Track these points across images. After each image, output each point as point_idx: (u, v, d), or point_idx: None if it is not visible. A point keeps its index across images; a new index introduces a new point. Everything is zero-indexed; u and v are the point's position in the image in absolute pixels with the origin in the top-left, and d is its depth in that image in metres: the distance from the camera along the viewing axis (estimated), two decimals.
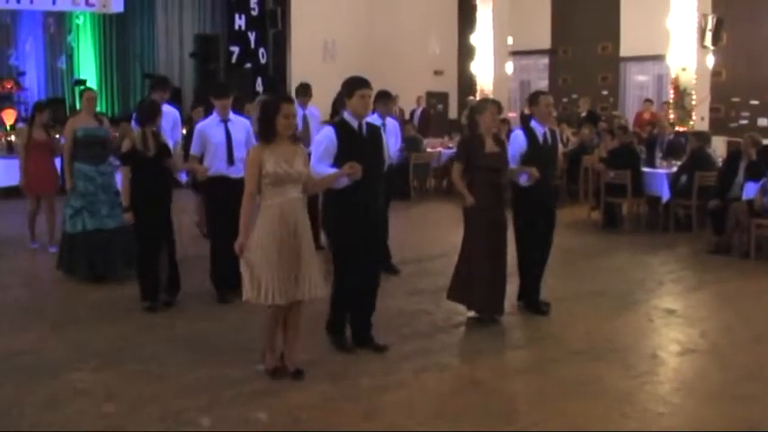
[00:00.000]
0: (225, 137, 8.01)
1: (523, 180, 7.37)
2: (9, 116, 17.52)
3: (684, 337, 7.10)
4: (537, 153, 7.48)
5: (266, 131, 5.69)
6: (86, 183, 8.85)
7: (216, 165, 7.98)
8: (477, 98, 20.83)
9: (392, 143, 9.06)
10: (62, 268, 8.93)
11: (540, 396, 5.73)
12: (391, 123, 9.40)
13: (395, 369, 6.13)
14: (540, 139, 7.56)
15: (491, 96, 20.54)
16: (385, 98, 9.13)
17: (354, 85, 6.32)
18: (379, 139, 6.53)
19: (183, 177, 9.12)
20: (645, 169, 12.64)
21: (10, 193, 14.73)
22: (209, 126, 8.11)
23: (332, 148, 6.19)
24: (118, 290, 8.44)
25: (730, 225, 10.66)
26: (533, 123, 7.64)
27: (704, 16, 16.43)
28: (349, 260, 6.34)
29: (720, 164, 12.27)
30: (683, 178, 12.12)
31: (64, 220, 9.03)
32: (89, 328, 7.23)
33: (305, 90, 10.86)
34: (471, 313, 7.44)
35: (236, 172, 7.93)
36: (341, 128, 6.29)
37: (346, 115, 6.35)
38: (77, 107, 17.42)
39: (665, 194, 12.24)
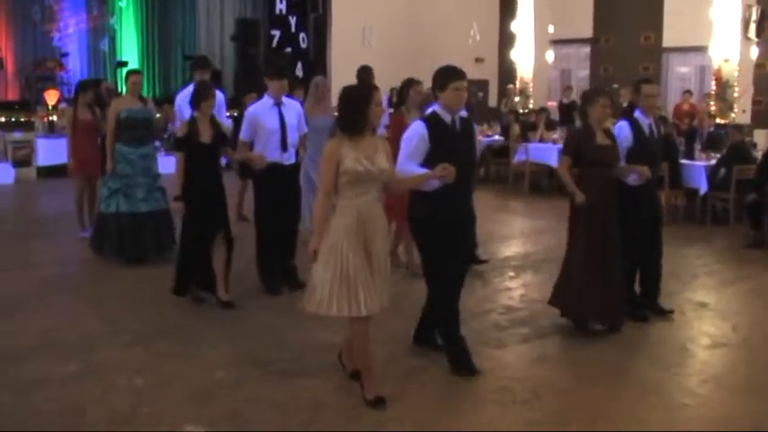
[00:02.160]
0: (279, 122, 7.63)
1: (633, 179, 6.90)
2: (51, 96, 17.74)
3: (716, 330, 7.05)
4: (644, 147, 7.05)
5: (356, 122, 5.07)
6: (125, 164, 8.86)
7: (269, 152, 7.55)
8: (517, 86, 20.81)
9: None
10: (93, 247, 9.01)
11: (565, 383, 5.74)
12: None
13: (417, 353, 6.14)
14: (647, 131, 7.12)
15: (527, 85, 20.55)
16: None
17: (448, 76, 5.69)
18: (472, 133, 5.98)
19: (224, 160, 9.09)
20: (683, 161, 12.53)
21: (50, 172, 15.01)
22: (262, 111, 7.65)
23: (423, 145, 5.60)
24: (152, 269, 8.58)
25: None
26: (637, 114, 7.17)
27: (748, 7, 16.27)
28: (446, 273, 5.79)
29: (760, 157, 12.12)
30: (722, 171, 11.99)
31: (100, 200, 9.13)
32: (123, 306, 7.37)
33: (368, 73, 10.30)
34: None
35: (288, 158, 7.73)
36: (433, 123, 5.69)
37: (438, 109, 5.74)
38: (119, 89, 17.65)
39: (703, 187, 12.12)
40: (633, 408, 5.31)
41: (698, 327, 7.20)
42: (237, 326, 6.84)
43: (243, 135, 7.73)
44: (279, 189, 7.67)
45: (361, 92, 5.21)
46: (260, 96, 8.22)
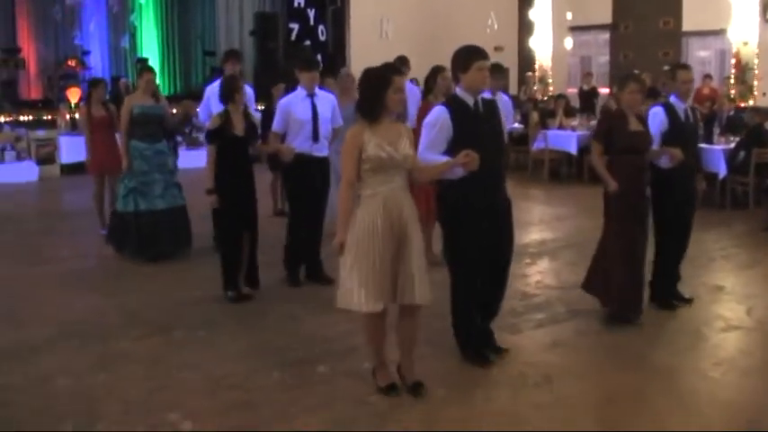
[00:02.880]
0: (311, 113, 7.64)
1: (665, 162, 6.82)
2: (74, 94, 17.92)
3: (730, 313, 7.04)
4: (679, 132, 6.93)
5: (372, 108, 4.93)
6: (141, 161, 8.86)
7: (300, 142, 7.58)
8: (536, 74, 20.75)
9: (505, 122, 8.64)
10: (112, 244, 9.04)
11: (577, 368, 5.78)
12: (504, 100, 8.83)
13: (428, 339, 6.10)
14: (682, 116, 7.01)
15: (546, 72, 20.49)
16: (497, 72, 8.49)
17: (471, 56, 5.50)
18: (497, 115, 5.72)
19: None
20: (702, 145, 12.43)
21: (73, 169, 15.20)
22: (294, 102, 7.68)
23: (445, 131, 5.42)
24: (170, 263, 8.69)
25: None
26: (673, 99, 7.07)
27: None
28: (467, 260, 5.59)
29: None
30: (741, 154, 11.94)
31: (116, 197, 9.14)
32: (140, 298, 7.48)
33: (403, 63, 10.08)
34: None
35: (320, 150, 7.73)
36: (455, 106, 5.49)
37: (459, 91, 5.55)
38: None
39: (722, 171, 12.05)
40: (644, 391, 5.33)
41: (713, 310, 7.18)
42: (255, 316, 6.92)
43: (275, 126, 7.74)
44: (310, 180, 7.67)
45: (378, 75, 4.98)
46: (290, 87, 8.14)
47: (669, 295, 7.24)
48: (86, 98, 10.54)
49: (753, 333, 6.61)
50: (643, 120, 6.83)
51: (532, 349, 6.18)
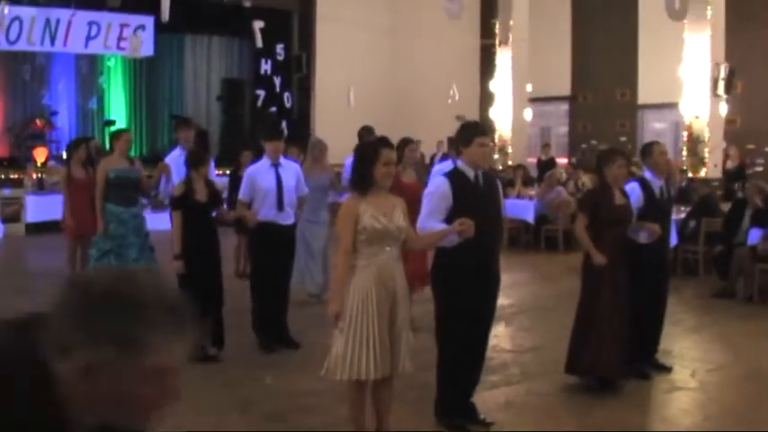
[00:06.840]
0: (275, 182, 7.84)
1: (643, 237, 6.86)
2: (40, 154, 18.15)
3: (675, 375, 7.36)
4: (655, 208, 7.14)
5: (362, 181, 5.10)
6: (118, 225, 8.86)
7: (265, 211, 7.77)
8: (496, 144, 21.27)
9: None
10: None
11: (528, 426, 6.07)
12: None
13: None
14: (657, 192, 7.23)
15: (506, 142, 21.00)
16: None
17: (473, 132, 5.76)
18: (496, 189, 5.98)
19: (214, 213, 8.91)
20: None
21: (40, 228, 15.31)
22: (260, 171, 7.91)
23: (445, 201, 5.57)
24: None
25: (734, 270, 10.95)
26: (648, 175, 7.25)
27: (717, 65, 16.84)
28: (458, 329, 5.65)
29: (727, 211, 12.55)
30: (692, 224, 12.43)
31: (89, 260, 9.06)
32: None
33: (370, 133, 10.18)
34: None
35: (285, 218, 7.90)
36: (455, 178, 5.67)
37: (461, 164, 5.77)
38: (106, 147, 18.01)
39: (674, 239, 12.46)
40: None
41: (657, 373, 7.41)
42: (221, 374, 7.10)
43: (242, 194, 7.95)
44: (274, 248, 7.82)
45: (366, 150, 5.21)
46: (256, 155, 8.37)
47: (646, 364, 7.31)
48: (67, 159, 10.46)
49: (694, 393, 6.96)
50: (625, 193, 6.96)
51: (486, 408, 6.37)
